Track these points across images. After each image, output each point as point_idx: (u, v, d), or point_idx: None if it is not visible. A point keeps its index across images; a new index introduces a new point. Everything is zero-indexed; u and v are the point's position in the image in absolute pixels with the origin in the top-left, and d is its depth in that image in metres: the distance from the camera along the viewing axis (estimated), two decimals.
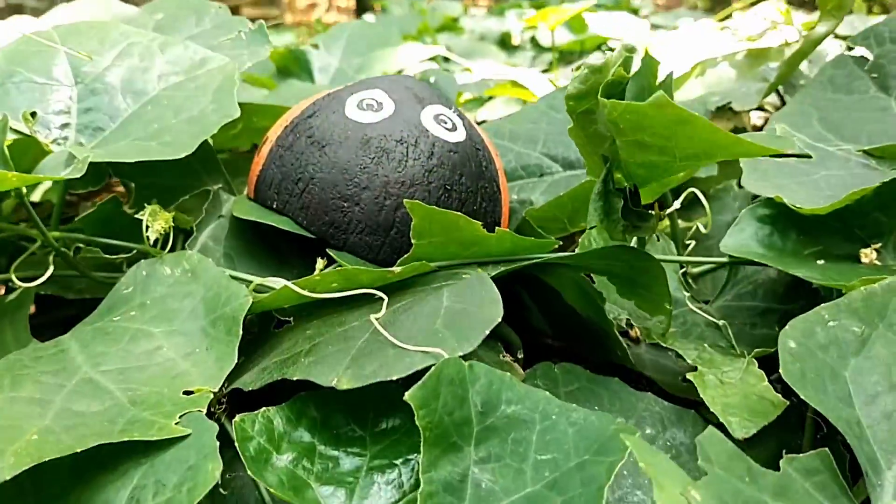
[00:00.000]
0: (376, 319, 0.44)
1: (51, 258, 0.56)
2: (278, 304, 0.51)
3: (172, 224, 0.54)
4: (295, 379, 0.41)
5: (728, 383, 0.47)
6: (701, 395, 0.46)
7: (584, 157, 0.53)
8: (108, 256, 0.57)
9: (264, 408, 0.42)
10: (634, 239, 0.54)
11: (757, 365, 0.48)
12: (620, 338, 0.53)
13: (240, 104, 0.59)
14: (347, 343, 0.43)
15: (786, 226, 0.55)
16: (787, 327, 0.43)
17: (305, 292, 0.48)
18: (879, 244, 0.55)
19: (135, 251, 0.57)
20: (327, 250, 0.54)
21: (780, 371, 0.41)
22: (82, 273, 0.59)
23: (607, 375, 0.56)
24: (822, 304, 0.43)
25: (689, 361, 0.50)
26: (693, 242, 0.63)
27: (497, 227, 0.52)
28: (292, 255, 0.58)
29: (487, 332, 0.42)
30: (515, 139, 0.73)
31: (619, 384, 0.51)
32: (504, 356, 0.51)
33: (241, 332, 0.47)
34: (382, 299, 0.46)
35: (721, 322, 0.55)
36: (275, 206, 0.57)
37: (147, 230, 0.53)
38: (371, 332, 0.43)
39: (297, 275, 0.57)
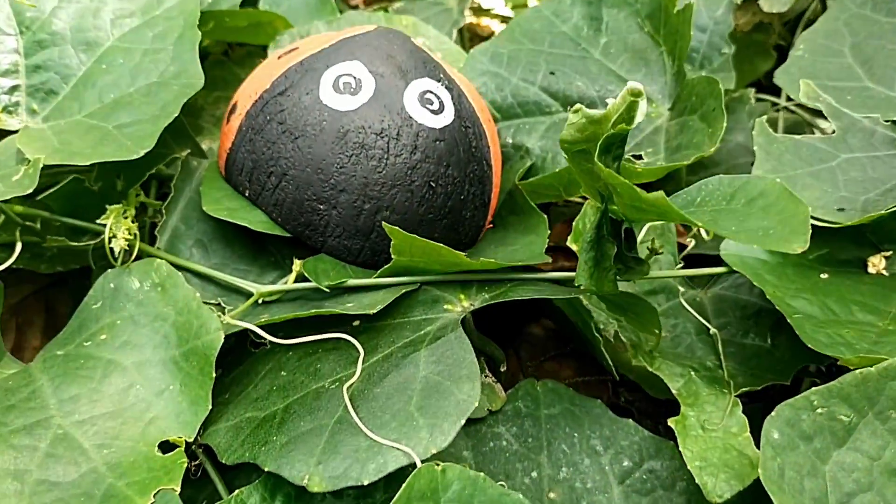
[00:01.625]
0: (348, 390, 0.43)
1: (17, 233, 0.54)
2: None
3: (137, 234, 0.50)
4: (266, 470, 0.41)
5: (710, 430, 0.47)
6: (680, 447, 0.46)
7: (578, 180, 0.48)
8: (74, 244, 0.54)
9: (237, 490, 0.42)
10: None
11: (741, 407, 0.48)
12: (606, 351, 0.52)
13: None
14: (320, 420, 0.42)
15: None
16: (773, 414, 0.41)
17: (277, 339, 0.47)
18: (891, 252, 0.52)
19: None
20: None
21: (759, 470, 0.40)
22: (52, 248, 0.56)
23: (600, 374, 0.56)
24: (813, 389, 0.42)
25: (673, 392, 0.49)
26: (693, 242, 0.59)
27: (482, 258, 0.48)
28: (269, 238, 0.55)
29: (463, 420, 0.41)
30: (514, 66, 0.66)
31: (601, 408, 0.50)
32: (486, 376, 0.50)
33: (213, 373, 0.46)
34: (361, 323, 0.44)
35: (712, 331, 0.53)
36: (247, 194, 0.53)
37: (110, 242, 0.49)
38: (343, 409, 0.42)
39: (273, 263, 0.55)
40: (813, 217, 0.50)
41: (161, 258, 0.50)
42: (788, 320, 0.46)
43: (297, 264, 0.52)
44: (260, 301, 0.52)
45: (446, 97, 0.53)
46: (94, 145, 0.50)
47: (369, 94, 0.51)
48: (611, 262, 0.45)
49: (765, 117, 0.56)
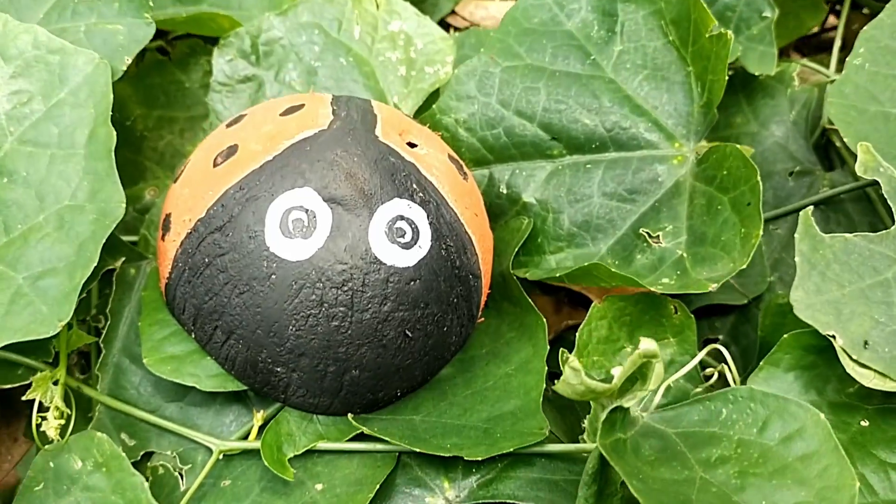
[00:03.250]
0: None
1: None
2: None
3: (70, 411, 0.44)
4: None
5: None
6: None
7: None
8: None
9: None
10: None
11: None
12: None
13: None
14: None
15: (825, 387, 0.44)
16: None
17: None
18: None
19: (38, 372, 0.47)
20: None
21: None
22: None
23: None
24: None
25: None
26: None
27: (465, 450, 0.42)
28: None
29: None
30: (508, 94, 0.54)
31: None
32: None
33: None
34: None
35: None
36: (193, 336, 0.46)
37: (39, 427, 0.43)
38: None
39: (234, 396, 0.48)
40: (858, 363, 0.43)
41: (98, 435, 0.44)
42: None
43: (257, 417, 0.46)
44: (220, 456, 0.46)
45: (421, 219, 0.43)
46: (4, 315, 0.42)
47: (325, 234, 0.42)
48: (617, 486, 0.38)
49: (810, 209, 0.46)
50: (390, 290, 0.42)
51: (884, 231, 0.46)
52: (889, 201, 0.47)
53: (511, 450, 0.41)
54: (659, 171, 0.52)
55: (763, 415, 0.37)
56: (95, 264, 0.43)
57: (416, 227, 0.43)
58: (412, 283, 0.43)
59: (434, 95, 0.58)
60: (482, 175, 0.55)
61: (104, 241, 0.43)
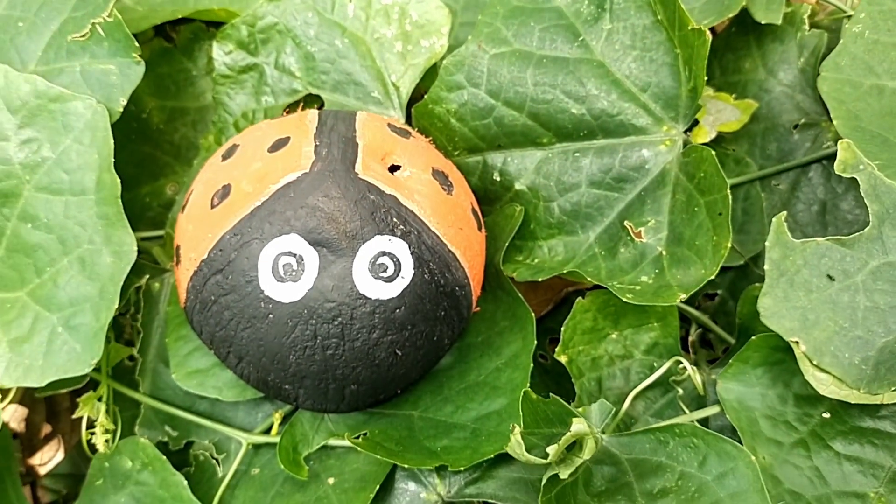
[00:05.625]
0: None
1: None
2: None
3: (115, 426, 0.50)
4: None
5: None
6: None
7: None
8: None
9: None
10: None
11: None
12: None
13: None
14: None
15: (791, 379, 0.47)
16: None
17: None
18: None
19: None
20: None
21: None
22: None
23: None
24: None
25: None
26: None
27: (451, 456, 0.47)
28: None
29: None
30: (496, 85, 0.54)
31: None
32: None
33: None
34: None
35: None
36: (212, 352, 0.51)
37: (91, 439, 0.50)
38: None
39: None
40: (818, 368, 0.46)
41: (142, 440, 0.51)
42: None
43: (276, 416, 0.52)
44: (249, 447, 0.53)
45: (402, 251, 0.47)
46: (45, 354, 0.48)
47: (313, 276, 0.46)
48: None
49: (783, 214, 0.47)
50: (377, 321, 0.47)
51: (857, 233, 0.47)
52: (867, 201, 0.47)
53: (492, 455, 0.47)
54: (646, 156, 0.53)
55: (703, 451, 0.40)
56: (117, 305, 0.48)
57: (398, 259, 0.47)
58: (397, 310, 0.47)
59: (432, 70, 0.59)
60: (476, 161, 0.57)
61: (122, 282, 0.48)
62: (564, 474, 0.40)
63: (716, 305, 0.61)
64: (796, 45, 0.60)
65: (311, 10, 0.59)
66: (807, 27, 0.60)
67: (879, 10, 0.51)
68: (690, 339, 0.59)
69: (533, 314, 0.51)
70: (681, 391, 0.52)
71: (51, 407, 0.66)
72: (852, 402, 0.45)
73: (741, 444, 0.44)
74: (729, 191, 0.47)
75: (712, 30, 0.60)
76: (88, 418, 0.51)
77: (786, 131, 0.60)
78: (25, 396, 0.65)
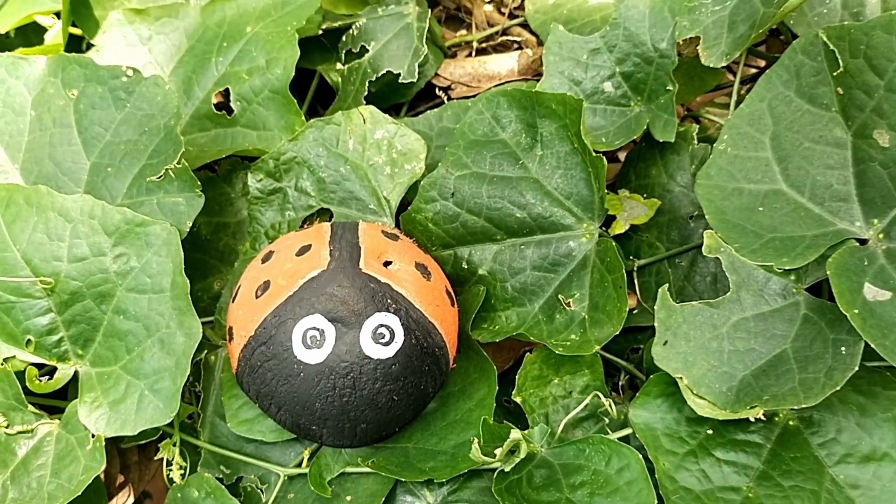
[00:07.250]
0: None
1: None
2: None
3: (186, 463, 0.68)
4: None
5: None
6: None
7: None
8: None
9: None
10: None
11: None
12: None
13: None
14: None
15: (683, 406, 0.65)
16: None
17: None
18: None
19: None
20: None
21: None
22: None
23: None
24: None
25: None
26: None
27: (437, 472, 0.64)
28: None
29: None
30: (461, 198, 0.74)
31: None
32: None
33: None
34: None
35: None
36: (258, 405, 0.69)
37: (169, 474, 0.67)
38: None
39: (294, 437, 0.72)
40: (698, 396, 0.64)
41: (206, 475, 0.68)
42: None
43: (305, 453, 0.70)
44: (286, 478, 0.70)
45: (395, 323, 0.65)
46: (136, 410, 0.66)
47: (332, 344, 0.64)
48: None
49: (666, 286, 0.65)
50: (379, 374, 0.64)
51: (721, 297, 0.65)
52: (727, 273, 0.66)
53: (466, 471, 0.64)
54: (572, 246, 0.72)
55: (608, 453, 0.58)
56: (188, 372, 0.66)
57: (392, 329, 0.65)
58: (393, 366, 0.65)
59: (414, 187, 0.78)
60: (449, 254, 0.75)
61: (192, 355, 0.66)
62: (508, 468, 0.56)
63: (640, 357, 0.78)
64: (688, 156, 0.79)
65: (321, 145, 0.79)
66: (696, 142, 0.79)
67: (737, 133, 0.71)
68: (621, 382, 0.77)
69: (495, 368, 0.69)
70: (607, 420, 0.69)
71: (123, 461, 0.83)
72: (721, 419, 0.63)
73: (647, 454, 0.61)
74: (625, 271, 0.65)
75: (634, 141, 0.80)
76: (166, 459, 0.68)
77: (684, 221, 0.79)
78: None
